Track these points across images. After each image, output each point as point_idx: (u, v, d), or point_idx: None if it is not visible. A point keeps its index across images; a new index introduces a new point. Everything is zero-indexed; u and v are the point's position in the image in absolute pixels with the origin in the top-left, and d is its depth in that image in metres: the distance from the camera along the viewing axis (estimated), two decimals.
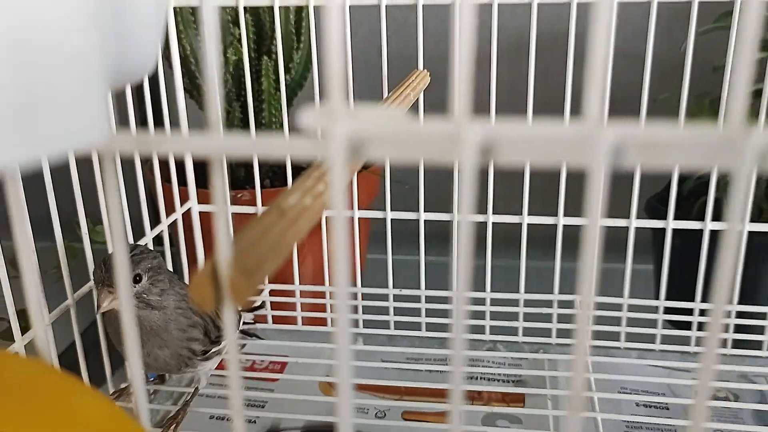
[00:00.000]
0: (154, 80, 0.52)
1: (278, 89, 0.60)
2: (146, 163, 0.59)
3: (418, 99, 0.50)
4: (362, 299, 0.59)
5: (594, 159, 0.13)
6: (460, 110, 0.14)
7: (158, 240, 0.52)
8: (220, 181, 0.15)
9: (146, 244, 0.49)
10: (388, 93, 0.44)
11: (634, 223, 0.53)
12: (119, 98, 0.47)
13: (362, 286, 0.59)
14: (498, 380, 0.54)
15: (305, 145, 0.14)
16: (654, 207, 0.62)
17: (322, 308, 0.61)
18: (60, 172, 0.41)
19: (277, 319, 0.60)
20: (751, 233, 0.52)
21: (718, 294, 0.15)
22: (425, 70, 0.51)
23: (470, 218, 0.14)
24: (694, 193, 0.64)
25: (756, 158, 0.13)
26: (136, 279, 0.40)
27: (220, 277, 0.16)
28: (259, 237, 0.18)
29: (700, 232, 0.53)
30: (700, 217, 0.53)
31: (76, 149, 0.13)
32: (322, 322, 0.59)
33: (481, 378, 0.54)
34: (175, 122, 0.55)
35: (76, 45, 0.12)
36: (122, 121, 0.50)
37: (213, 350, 0.45)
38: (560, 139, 0.13)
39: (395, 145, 0.14)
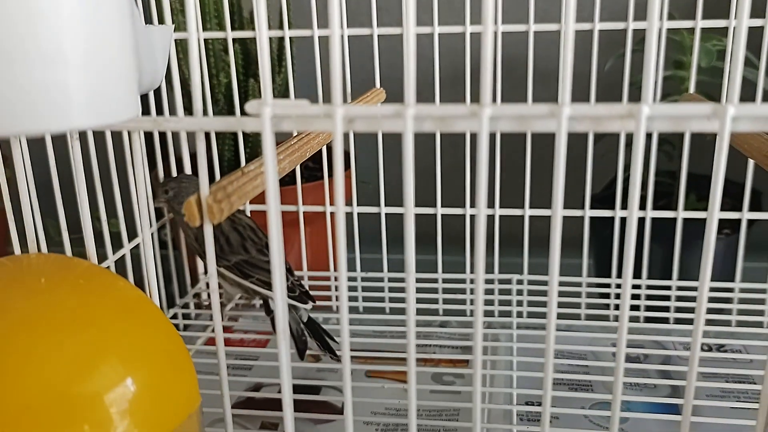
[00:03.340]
0: (158, 99, 0.63)
1: None
2: (152, 170, 0.70)
3: None
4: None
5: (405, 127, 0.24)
6: (334, 99, 0.24)
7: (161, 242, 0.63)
8: (203, 143, 0.26)
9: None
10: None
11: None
12: None
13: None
14: (449, 348, 0.64)
15: (249, 121, 0.25)
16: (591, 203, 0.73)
17: None
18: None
19: None
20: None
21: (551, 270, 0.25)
22: (381, 89, 0.62)
23: (340, 178, 0.25)
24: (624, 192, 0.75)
25: (566, 125, 0.23)
26: (166, 192, 0.58)
27: (202, 203, 0.26)
28: (228, 183, 0.28)
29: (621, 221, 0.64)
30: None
31: (122, 121, 0.24)
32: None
33: (434, 346, 0.64)
34: (175, 134, 0.66)
35: (125, 60, 0.23)
36: None
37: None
38: (379, 115, 0.24)
39: (297, 121, 0.25)
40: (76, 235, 0.48)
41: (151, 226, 0.62)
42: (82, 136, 0.43)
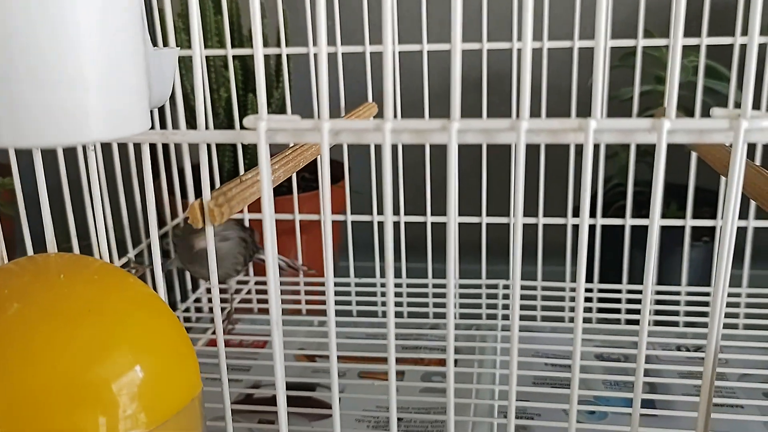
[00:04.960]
0: (161, 114, 0.66)
1: None
2: (156, 180, 0.73)
3: None
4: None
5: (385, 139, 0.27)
6: (322, 114, 0.28)
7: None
8: (206, 154, 0.29)
9: None
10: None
11: (542, 220, 0.67)
12: None
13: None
14: (438, 349, 0.67)
15: (247, 134, 0.28)
16: (576, 212, 0.76)
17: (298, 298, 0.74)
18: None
19: (261, 310, 0.74)
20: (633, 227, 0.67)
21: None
22: (373, 103, 0.65)
23: (327, 180, 0.28)
24: (608, 202, 0.79)
25: (525, 137, 0.26)
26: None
27: (204, 207, 0.30)
28: (227, 190, 0.31)
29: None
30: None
31: (133, 134, 0.27)
32: (298, 308, 0.73)
33: (424, 348, 0.67)
34: (178, 146, 0.70)
35: (137, 80, 0.26)
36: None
37: None
38: (362, 128, 0.27)
39: (289, 134, 0.28)
40: (84, 242, 0.52)
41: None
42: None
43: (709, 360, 0.30)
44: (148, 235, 0.64)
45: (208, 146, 0.78)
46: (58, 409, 0.29)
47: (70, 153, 0.53)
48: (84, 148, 0.50)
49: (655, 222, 0.27)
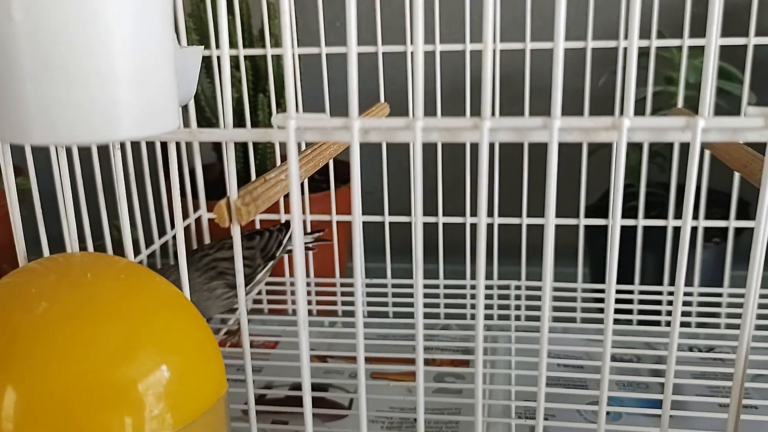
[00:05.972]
0: None
1: None
2: (166, 180, 0.73)
3: None
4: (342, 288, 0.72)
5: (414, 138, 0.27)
6: (351, 113, 0.27)
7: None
8: (233, 152, 0.29)
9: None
10: None
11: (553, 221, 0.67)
12: None
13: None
14: (450, 350, 0.67)
15: (277, 132, 0.28)
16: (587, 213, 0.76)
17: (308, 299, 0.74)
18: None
19: (272, 310, 0.73)
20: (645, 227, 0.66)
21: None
22: (386, 103, 0.65)
23: (358, 185, 0.28)
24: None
25: (557, 135, 0.26)
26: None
27: (230, 206, 0.29)
28: (253, 189, 0.31)
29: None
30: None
31: (164, 132, 0.27)
32: (308, 309, 0.72)
33: (436, 348, 0.67)
34: (188, 145, 0.70)
35: (167, 78, 0.26)
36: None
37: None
38: (392, 126, 0.27)
39: (318, 132, 0.28)
40: (97, 242, 0.51)
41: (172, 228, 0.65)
42: (104, 149, 0.46)
43: (739, 364, 0.30)
44: (161, 235, 0.64)
45: (219, 147, 0.78)
46: (85, 410, 0.28)
47: (84, 152, 0.53)
48: (98, 147, 0.50)
49: (687, 224, 0.27)
